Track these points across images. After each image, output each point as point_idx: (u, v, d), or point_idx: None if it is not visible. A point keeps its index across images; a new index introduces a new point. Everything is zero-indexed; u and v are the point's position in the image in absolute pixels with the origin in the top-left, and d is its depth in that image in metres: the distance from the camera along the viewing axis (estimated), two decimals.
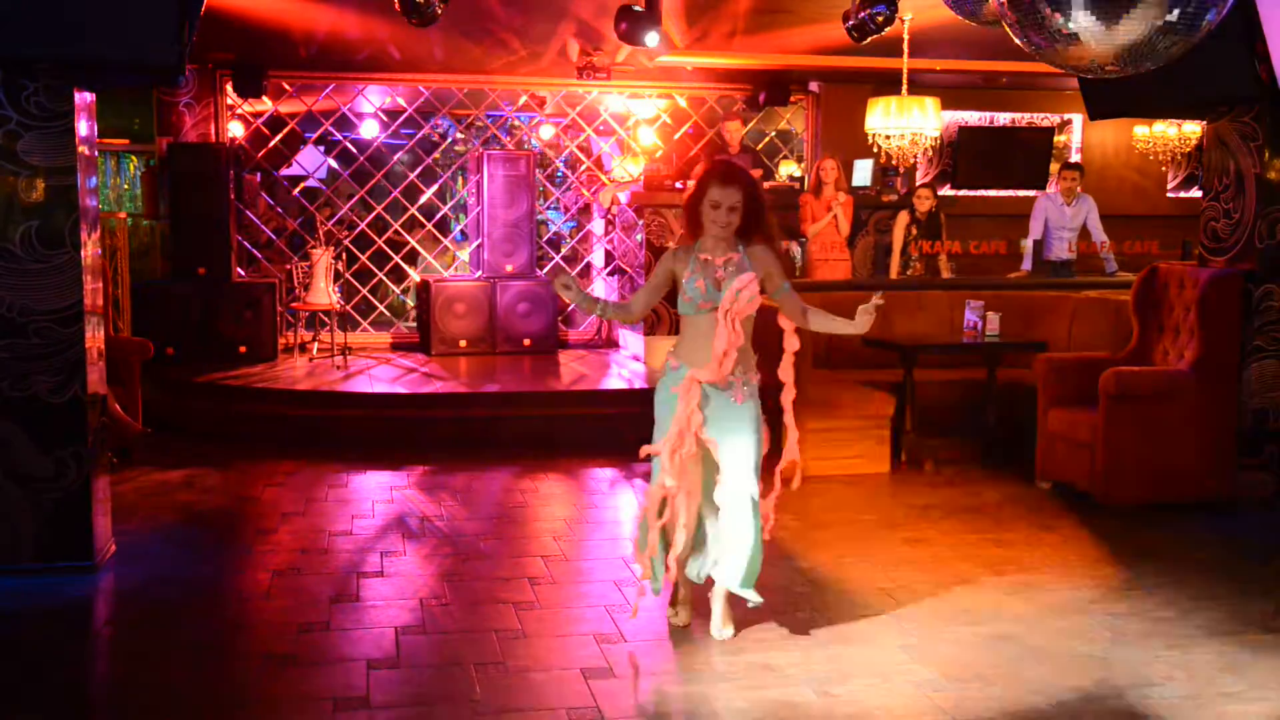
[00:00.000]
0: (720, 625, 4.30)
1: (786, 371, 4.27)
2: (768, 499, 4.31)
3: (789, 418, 4.30)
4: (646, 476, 6.81)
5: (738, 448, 4.13)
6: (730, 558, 4.20)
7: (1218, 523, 6.00)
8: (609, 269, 11.37)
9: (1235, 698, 3.87)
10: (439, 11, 6.94)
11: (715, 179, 4.09)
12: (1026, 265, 9.92)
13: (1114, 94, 6.51)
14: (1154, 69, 3.28)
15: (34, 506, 4.96)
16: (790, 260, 9.45)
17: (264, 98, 10.54)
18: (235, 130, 10.75)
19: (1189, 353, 6.25)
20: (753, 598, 4.28)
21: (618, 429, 7.76)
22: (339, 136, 11.33)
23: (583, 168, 11.76)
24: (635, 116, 11.75)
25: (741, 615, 4.39)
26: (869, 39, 7.62)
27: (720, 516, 4.21)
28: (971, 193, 11.80)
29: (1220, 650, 4.28)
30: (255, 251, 10.87)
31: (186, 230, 9.81)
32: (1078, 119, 12.03)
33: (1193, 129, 11.32)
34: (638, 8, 7.70)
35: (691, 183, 4.55)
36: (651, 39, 7.73)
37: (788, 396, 4.28)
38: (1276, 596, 4.97)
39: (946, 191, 11.54)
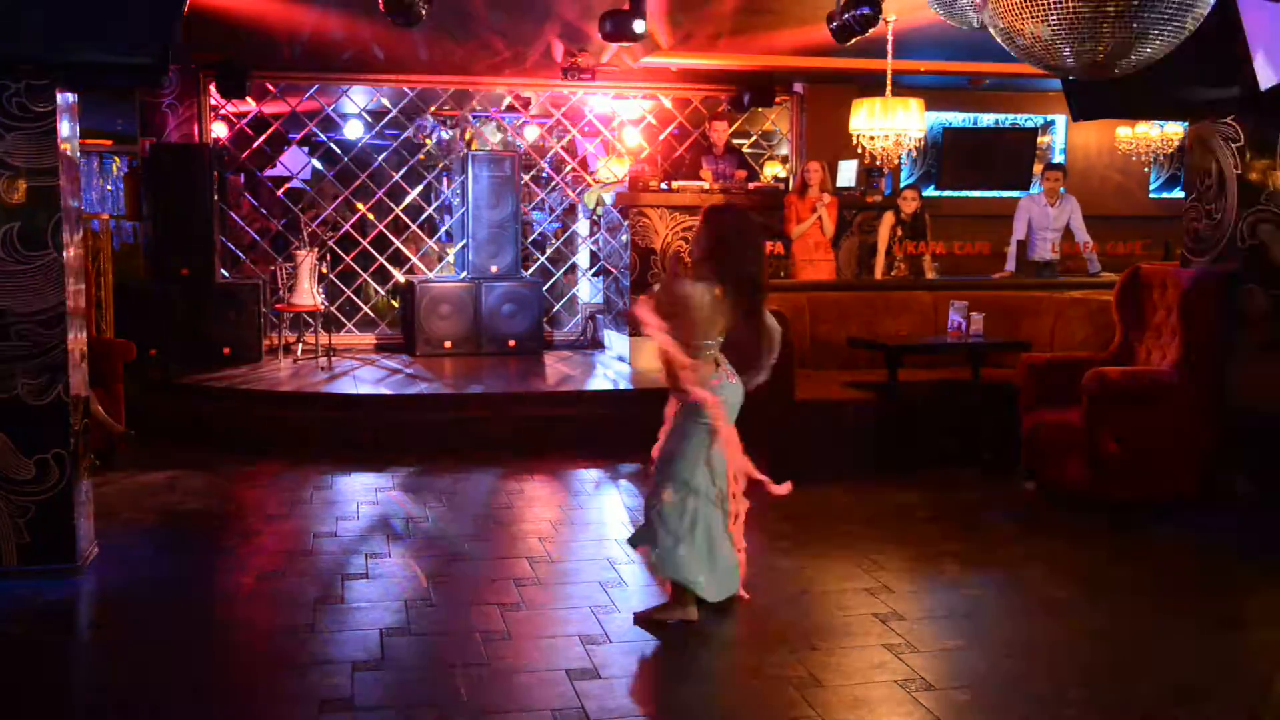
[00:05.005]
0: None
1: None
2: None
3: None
4: (631, 478, 6.86)
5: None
6: None
7: (1199, 521, 6.02)
8: (594, 270, 11.38)
9: (1218, 694, 3.90)
10: (423, 12, 6.93)
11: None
12: (1010, 266, 9.96)
13: (1097, 95, 6.54)
14: (1137, 71, 3.30)
15: (16, 509, 4.93)
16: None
17: (247, 98, 10.51)
18: (219, 131, 10.71)
19: (1171, 353, 6.28)
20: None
21: (603, 430, 7.77)
22: (323, 137, 11.30)
23: (568, 169, 11.76)
24: (620, 117, 11.75)
25: (721, 613, 4.45)
26: (853, 40, 7.63)
27: None
28: (955, 194, 11.84)
29: (1202, 648, 4.31)
30: (239, 252, 10.83)
31: (170, 231, 9.77)
32: (1061, 120, 12.08)
33: (1175, 130, 11.38)
34: (623, 9, 7.69)
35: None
36: (639, 26, 7.70)
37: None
38: (1259, 594, 5.01)
39: (931, 192, 11.57)
